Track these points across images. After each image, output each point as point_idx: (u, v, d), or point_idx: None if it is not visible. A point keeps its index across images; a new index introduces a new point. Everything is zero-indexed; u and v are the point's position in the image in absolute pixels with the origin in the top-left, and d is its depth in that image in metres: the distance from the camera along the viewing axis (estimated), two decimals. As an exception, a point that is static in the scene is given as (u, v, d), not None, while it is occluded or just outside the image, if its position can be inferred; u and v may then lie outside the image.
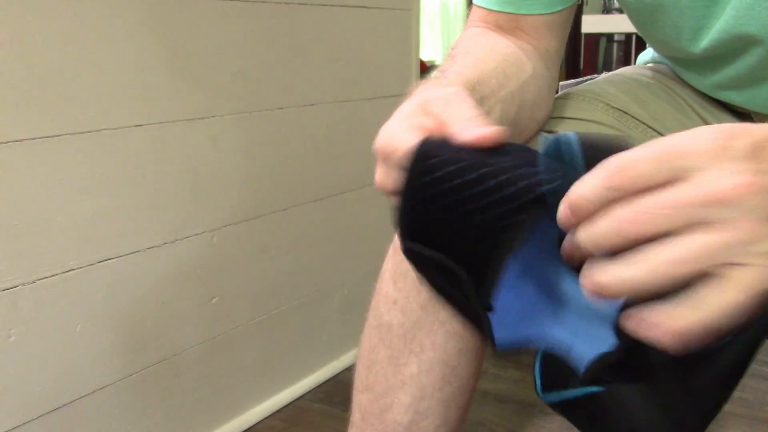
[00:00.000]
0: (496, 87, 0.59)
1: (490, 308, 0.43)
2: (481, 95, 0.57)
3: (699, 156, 0.34)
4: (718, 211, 0.33)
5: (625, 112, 0.73)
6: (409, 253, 0.44)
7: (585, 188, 0.35)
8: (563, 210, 0.36)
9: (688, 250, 0.33)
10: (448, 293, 0.46)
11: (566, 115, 0.72)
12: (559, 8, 0.69)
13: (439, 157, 0.42)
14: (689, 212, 0.33)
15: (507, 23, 0.69)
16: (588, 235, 0.35)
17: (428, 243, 0.43)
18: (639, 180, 0.34)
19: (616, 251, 0.34)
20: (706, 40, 0.66)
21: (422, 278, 0.47)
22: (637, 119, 0.73)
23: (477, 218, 0.40)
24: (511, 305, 0.46)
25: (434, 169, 0.41)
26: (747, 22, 0.61)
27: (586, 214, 0.35)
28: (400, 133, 0.45)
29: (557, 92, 0.80)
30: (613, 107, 0.73)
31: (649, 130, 0.72)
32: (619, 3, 0.74)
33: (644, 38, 0.79)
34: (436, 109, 0.45)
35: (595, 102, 0.74)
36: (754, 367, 1.86)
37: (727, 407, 0.37)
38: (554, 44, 0.71)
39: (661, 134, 0.72)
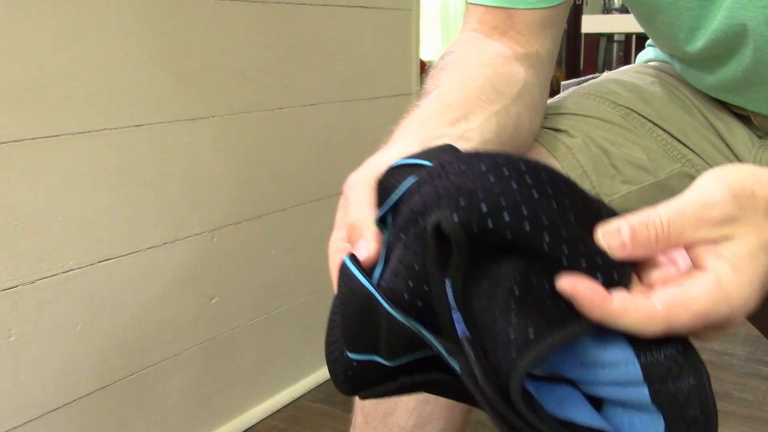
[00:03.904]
0: (486, 102, 0.59)
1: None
2: (463, 112, 0.56)
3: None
4: None
5: (631, 110, 0.73)
6: (368, 397, 0.44)
7: (625, 317, 0.35)
8: (570, 288, 0.35)
9: None
10: (440, 390, 0.44)
11: (573, 112, 0.72)
12: (555, 2, 0.68)
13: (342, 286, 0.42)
14: None
15: (502, 23, 0.68)
16: None
17: (375, 382, 0.42)
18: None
19: None
20: (702, 40, 0.66)
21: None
22: (643, 117, 0.72)
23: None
24: None
25: (334, 326, 0.42)
26: (740, 17, 0.61)
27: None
28: (331, 255, 0.48)
29: (559, 91, 0.80)
30: (619, 105, 0.73)
31: (656, 128, 0.72)
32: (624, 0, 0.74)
33: (648, 35, 0.79)
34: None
35: (600, 100, 0.73)
36: (754, 367, 1.87)
37: (728, 407, 0.37)
38: (548, 46, 0.70)
39: (667, 132, 0.72)
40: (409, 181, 0.41)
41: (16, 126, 0.99)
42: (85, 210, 1.09)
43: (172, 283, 1.24)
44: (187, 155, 1.24)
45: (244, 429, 1.42)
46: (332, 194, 1.56)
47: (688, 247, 0.37)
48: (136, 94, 1.14)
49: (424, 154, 0.45)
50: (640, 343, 0.35)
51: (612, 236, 0.36)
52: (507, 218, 0.35)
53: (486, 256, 0.36)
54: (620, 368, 0.35)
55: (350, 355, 0.39)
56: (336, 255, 0.46)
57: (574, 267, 0.35)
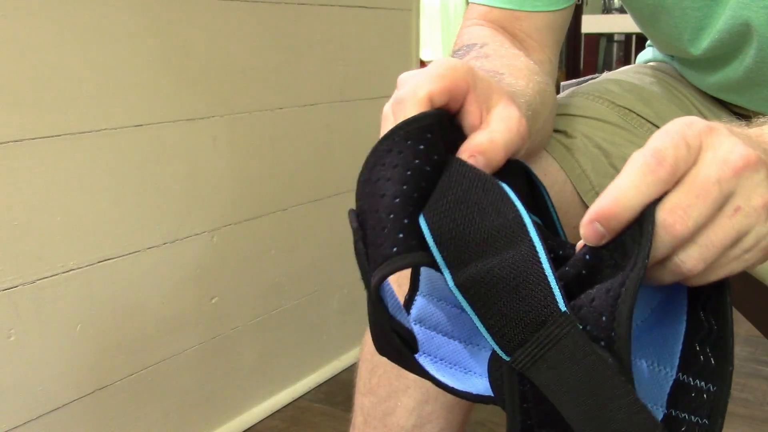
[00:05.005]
0: (536, 114, 0.58)
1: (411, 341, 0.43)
2: (532, 123, 0.55)
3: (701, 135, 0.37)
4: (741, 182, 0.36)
5: (630, 110, 0.73)
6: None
7: (627, 192, 0.35)
8: (594, 224, 0.36)
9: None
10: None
11: (572, 113, 0.72)
12: (561, 6, 0.68)
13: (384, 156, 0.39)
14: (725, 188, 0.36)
15: (509, 22, 0.68)
16: (696, 252, 0.36)
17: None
18: (677, 168, 0.36)
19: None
20: (707, 40, 0.66)
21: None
22: (642, 117, 0.72)
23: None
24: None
25: (373, 166, 0.39)
26: (744, 17, 0.61)
27: (623, 223, 0.35)
28: (428, 82, 0.40)
29: (559, 92, 0.80)
30: (619, 105, 0.73)
31: (655, 128, 0.72)
32: (623, 2, 0.74)
33: (647, 37, 0.78)
34: (487, 88, 0.41)
35: (599, 100, 0.73)
36: (754, 367, 1.87)
37: (728, 407, 0.38)
38: (553, 51, 0.70)
39: None
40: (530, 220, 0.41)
41: (16, 126, 0.99)
42: (85, 210, 1.09)
43: (172, 283, 1.24)
44: (187, 155, 1.24)
45: (244, 429, 1.42)
46: (332, 194, 1.56)
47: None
48: (136, 94, 1.14)
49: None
50: (677, 402, 0.37)
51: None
52: None
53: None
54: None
55: (437, 252, 0.37)
56: (442, 82, 0.39)
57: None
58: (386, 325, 0.40)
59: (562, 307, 0.35)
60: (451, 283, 0.36)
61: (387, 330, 0.40)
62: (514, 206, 0.37)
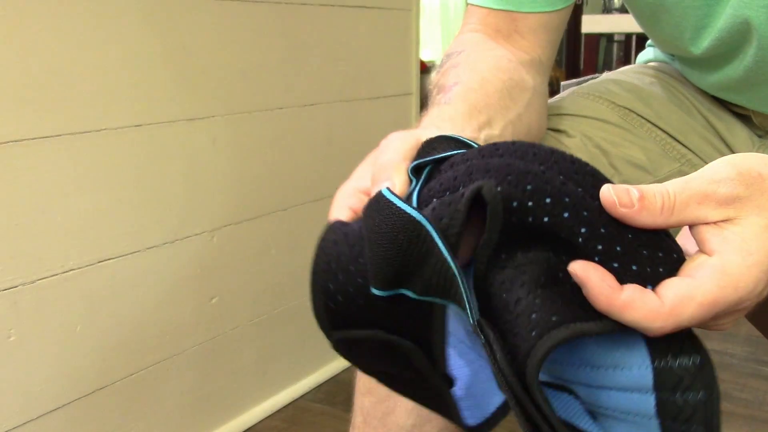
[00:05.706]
0: (504, 109, 0.59)
1: (450, 381, 0.42)
2: (488, 117, 0.57)
3: None
4: None
5: (630, 110, 0.73)
6: (339, 345, 0.42)
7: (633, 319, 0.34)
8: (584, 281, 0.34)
9: None
10: (398, 380, 0.43)
11: (572, 112, 0.72)
12: (559, 6, 0.69)
13: (334, 243, 0.43)
14: None
15: (505, 25, 0.69)
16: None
17: (354, 325, 0.40)
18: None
19: None
20: (708, 39, 0.66)
21: (365, 371, 0.44)
22: (642, 117, 0.73)
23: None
24: (466, 374, 0.45)
25: (329, 254, 0.42)
26: (744, 16, 0.61)
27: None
28: (337, 198, 0.48)
29: (559, 92, 0.80)
30: (619, 105, 0.73)
31: (654, 128, 0.72)
32: (624, 1, 0.74)
33: (649, 36, 0.78)
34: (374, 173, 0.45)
35: (599, 100, 0.73)
36: (754, 367, 1.87)
37: (728, 407, 0.36)
38: (548, 52, 0.70)
39: (666, 132, 0.72)
40: (458, 151, 0.41)
41: (16, 126, 0.99)
42: (85, 210, 1.09)
43: (172, 283, 1.24)
44: (187, 155, 1.24)
45: (244, 429, 1.42)
46: (332, 194, 1.55)
47: (693, 228, 0.36)
48: (136, 94, 1.14)
49: (469, 141, 0.45)
50: (657, 348, 0.34)
51: (622, 192, 0.35)
52: (547, 201, 0.35)
53: (517, 243, 0.36)
54: (632, 371, 0.35)
55: (377, 292, 0.38)
56: (343, 199, 0.47)
57: (605, 267, 0.34)
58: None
59: (471, 320, 0.35)
60: (414, 296, 0.38)
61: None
62: (406, 214, 0.37)
